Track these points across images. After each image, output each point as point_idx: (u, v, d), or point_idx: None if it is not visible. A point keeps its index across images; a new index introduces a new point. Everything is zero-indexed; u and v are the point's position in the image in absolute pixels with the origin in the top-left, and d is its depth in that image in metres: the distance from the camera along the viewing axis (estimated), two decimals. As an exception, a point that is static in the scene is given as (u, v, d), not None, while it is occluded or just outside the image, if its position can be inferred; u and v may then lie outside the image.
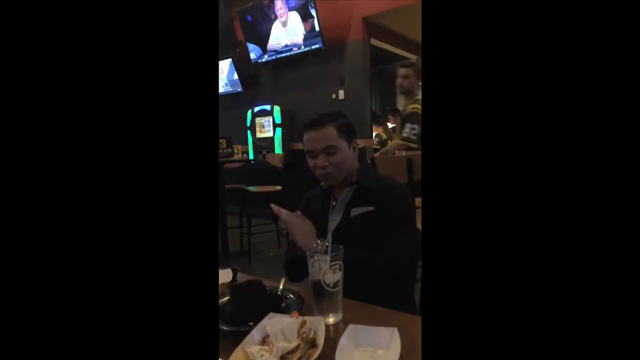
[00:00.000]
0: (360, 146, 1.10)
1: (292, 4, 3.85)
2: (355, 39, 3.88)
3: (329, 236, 0.72)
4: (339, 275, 0.66)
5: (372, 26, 3.95)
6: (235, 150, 3.42)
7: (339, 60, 3.96)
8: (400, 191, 1.00)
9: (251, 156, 4.43)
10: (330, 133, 0.97)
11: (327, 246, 0.68)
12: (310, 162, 1.02)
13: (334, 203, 1.03)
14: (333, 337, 0.62)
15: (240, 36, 4.51)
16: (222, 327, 0.65)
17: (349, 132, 1.01)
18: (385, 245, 0.92)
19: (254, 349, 0.54)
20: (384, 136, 4.51)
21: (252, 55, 4.37)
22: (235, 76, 4.63)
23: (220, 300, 0.76)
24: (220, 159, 3.12)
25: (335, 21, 3.90)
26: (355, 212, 0.99)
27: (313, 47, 3.86)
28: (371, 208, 0.97)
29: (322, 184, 1.06)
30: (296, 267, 1.07)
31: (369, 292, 0.75)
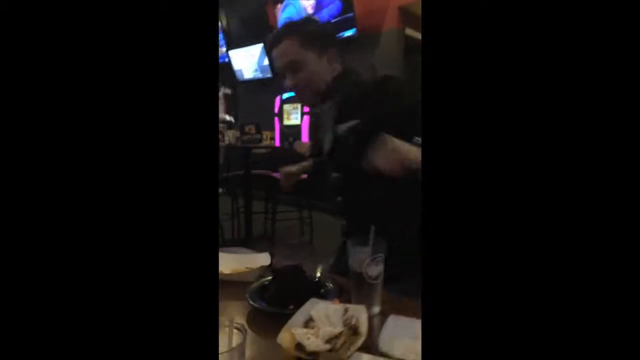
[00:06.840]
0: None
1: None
2: (390, 27, 3.80)
3: (372, 228, 0.73)
4: (381, 268, 0.67)
5: (407, 15, 3.86)
6: (264, 137, 3.45)
7: (373, 49, 3.90)
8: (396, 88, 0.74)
9: (278, 143, 4.46)
10: (290, 47, 0.81)
11: (369, 238, 0.69)
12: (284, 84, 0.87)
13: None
14: (374, 326, 0.63)
15: (272, 21, 4.50)
16: (264, 308, 0.68)
17: (318, 41, 0.82)
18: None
19: (301, 331, 0.56)
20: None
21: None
22: (266, 62, 4.64)
23: (261, 281, 0.78)
24: (248, 145, 3.18)
25: (370, 9, 3.83)
26: (342, 128, 0.80)
27: (346, 34, 3.82)
28: (356, 121, 0.76)
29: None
30: None
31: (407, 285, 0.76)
